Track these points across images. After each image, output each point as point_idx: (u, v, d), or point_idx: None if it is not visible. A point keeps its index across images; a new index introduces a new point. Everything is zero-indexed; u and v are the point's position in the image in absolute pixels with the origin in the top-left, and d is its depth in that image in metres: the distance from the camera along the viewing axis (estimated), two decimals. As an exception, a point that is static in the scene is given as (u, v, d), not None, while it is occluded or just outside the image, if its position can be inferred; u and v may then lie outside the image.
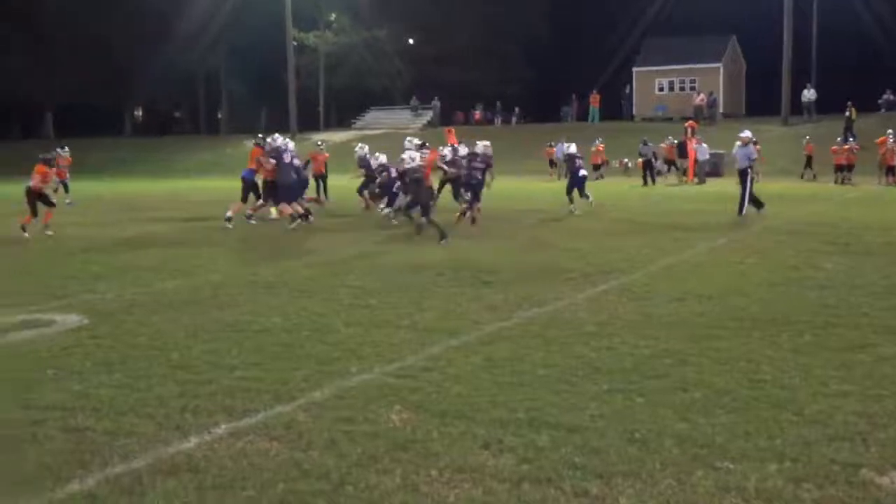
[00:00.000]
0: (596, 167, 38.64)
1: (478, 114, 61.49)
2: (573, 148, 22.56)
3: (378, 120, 63.61)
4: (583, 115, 57.29)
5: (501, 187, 32.89)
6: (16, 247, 16.01)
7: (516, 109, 62.24)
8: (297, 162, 19.13)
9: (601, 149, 39.77)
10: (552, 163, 40.13)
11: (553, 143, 40.13)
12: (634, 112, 58.37)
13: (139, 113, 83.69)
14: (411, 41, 69.02)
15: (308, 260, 13.43)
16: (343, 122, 68.93)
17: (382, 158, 21.29)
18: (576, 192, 21.18)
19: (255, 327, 8.45)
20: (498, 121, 61.24)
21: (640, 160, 35.38)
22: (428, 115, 61.78)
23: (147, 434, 5.42)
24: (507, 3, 67.90)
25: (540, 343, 7.65)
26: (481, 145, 20.83)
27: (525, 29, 68.75)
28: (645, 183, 34.20)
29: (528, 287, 10.56)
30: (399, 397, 6.07)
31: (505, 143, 49.53)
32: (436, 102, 62.25)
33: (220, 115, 76.37)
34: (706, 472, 4.72)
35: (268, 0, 57.59)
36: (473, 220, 18.42)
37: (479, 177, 19.39)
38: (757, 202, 20.02)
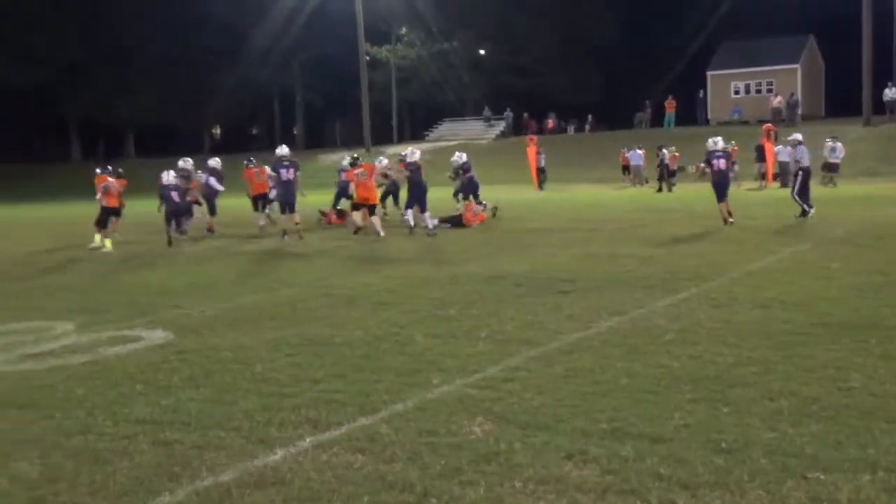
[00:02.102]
0: (671, 173, 38.28)
1: (551, 122, 61.32)
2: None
3: (451, 131, 63.87)
4: (657, 121, 56.71)
5: (576, 195, 32.79)
6: (100, 263, 16.42)
7: (589, 117, 61.89)
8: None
9: (676, 155, 39.32)
10: (626, 169, 39.80)
11: (627, 150, 39.80)
12: (710, 116, 57.56)
13: (217, 131, 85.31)
14: (482, 52, 69.12)
15: (385, 273, 13.53)
16: (416, 135, 69.39)
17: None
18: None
19: (336, 340, 8.53)
20: (571, 129, 60.98)
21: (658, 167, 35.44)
22: (500, 126, 61.81)
23: (234, 447, 5.51)
24: (579, 12, 67.56)
25: (621, 352, 7.58)
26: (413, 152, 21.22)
27: (597, 36, 68.29)
28: (660, 189, 33.93)
29: (606, 296, 10.48)
30: (481, 408, 6.07)
31: (578, 151, 49.42)
32: (508, 113, 62.26)
33: (295, 131, 77.44)
34: (797, 482, 4.62)
35: (340, 16, 58.29)
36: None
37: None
38: (803, 205, 19.70)
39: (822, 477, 4.67)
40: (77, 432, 5.92)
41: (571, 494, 4.60)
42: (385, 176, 21.53)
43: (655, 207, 24.24)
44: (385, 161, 20.98)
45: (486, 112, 63.96)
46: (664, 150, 35.45)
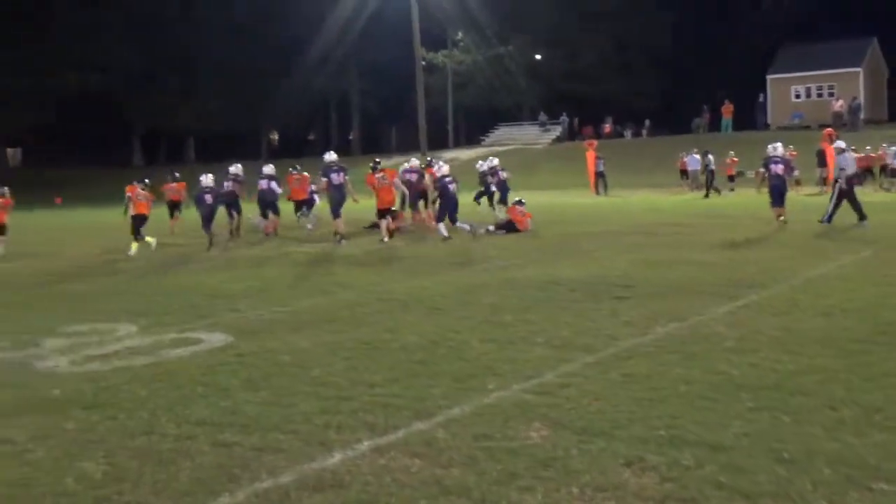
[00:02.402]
0: (730, 178, 37.89)
1: (608, 127, 61.02)
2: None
3: (507, 136, 63.85)
4: (715, 126, 56.10)
5: (634, 200, 32.56)
6: (160, 266, 16.68)
7: (646, 122, 61.44)
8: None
9: (735, 160, 38.90)
10: (684, 174, 39.42)
11: (685, 155, 39.44)
12: (769, 121, 56.77)
13: (275, 136, 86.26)
14: (538, 57, 68.99)
15: (440, 278, 13.56)
16: (472, 140, 69.48)
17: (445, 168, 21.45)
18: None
19: (392, 345, 8.57)
20: (628, 133, 60.60)
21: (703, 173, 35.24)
22: (557, 131, 61.64)
23: (292, 450, 5.56)
24: (636, 16, 67.13)
25: (679, 359, 7.51)
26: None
27: (654, 40, 67.75)
28: (706, 195, 33.64)
29: (664, 302, 10.39)
30: (537, 414, 6.06)
31: (635, 156, 49.10)
32: (564, 118, 62.06)
33: (351, 136, 77.99)
34: (861, 493, 4.54)
35: (396, 21, 58.62)
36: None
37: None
38: (833, 213, 19.25)
39: (885, 488, 4.59)
40: (140, 433, 6.03)
41: (630, 502, 4.57)
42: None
43: (713, 213, 23.96)
44: (445, 167, 21.28)
45: (542, 117, 63.84)
46: (709, 156, 35.23)
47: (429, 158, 30.24)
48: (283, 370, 7.70)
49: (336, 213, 19.97)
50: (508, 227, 20.96)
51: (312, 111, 77.91)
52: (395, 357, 8.04)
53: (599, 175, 38.87)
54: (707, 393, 6.42)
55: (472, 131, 72.61)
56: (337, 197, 20.04)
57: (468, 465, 5.17)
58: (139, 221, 20.41)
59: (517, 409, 6.19)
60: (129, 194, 21.67)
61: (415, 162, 24.36)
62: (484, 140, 64.83)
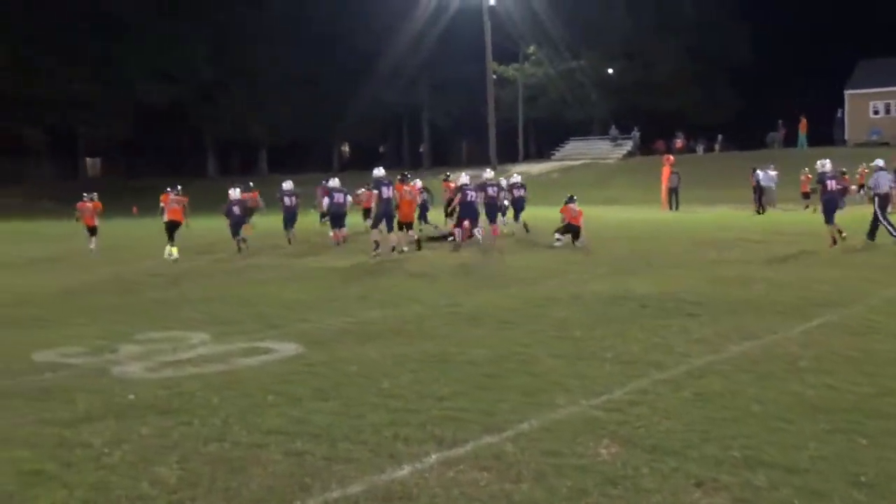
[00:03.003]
0: (805, 195, 37.14)
1: (679, 142, 60.31)
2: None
3: (578, 150, 63.53)
4: (791, 141, 55.12)
5: (705, 215, 32.10)
6: (231, 276, 16.92)
7: (719, 136, 60.63)
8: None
9: (809, 177, 38.13)
10: (754, 189, 38.72)
11: (759, 170, 38.77)
12: (847, 137, 55.60)
13: (346, 149, 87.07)
14: (610, 70, 68.59)
15: (508, 292, 13.53)
16: (542, 153, 69.30)
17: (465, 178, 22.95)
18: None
19: (459, 358, 8.58)
20: (700, 148, 59.87)
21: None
22: (628, 145, 61.18)
23: (362, 460, 5.60)
24: (711, 28, 66.36)
25: (752, 378, 7.39)
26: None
27: (728, 54, 66.88)
28: (757, 212, 33.16)
29: (737, 319, 10.24)
30: (607, 431, 6.01)
31: (709, 171, 48.40)
32: (636, 132, 61.57)
33: (422, 149, 78.36)
34: (942, 521, 4.41)
35: (468, 35, 58.83)
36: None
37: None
38: (873, 231, 19.11)
39: (969, 516, 4.45)
40: (213, 439, 6.13)
41: (701, 523, 4.51)
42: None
43: (785, 230, 23.51)
44: (466, 177, 22.82)
45: (613, 131, 63.42)
46: (758, 172, 34.75)
47: (447, 174, 31.41)
48: (352, 381, 7.76)
49: (389, 226, 20.39)
50: (567, 228, 21.19)
51: (384, 124, 78.42)
52: (463, 370, 8.05)
53: (672, 190, 38.44)
54: (782, 414, 6.31)
55: (543, 145, 72.43)
56: (387, 210, 20.40)
57: (537, 480, 5.15)
58: (172, 227, 21.99)
59: (586, 426, 6.15)
60: (162, 204, 23.53)
61: (489, 174, 24.89)
62: (554, 154, 64.59)
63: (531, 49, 67.57)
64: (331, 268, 17.87)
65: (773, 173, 37.45)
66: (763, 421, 6.15)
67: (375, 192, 20.80)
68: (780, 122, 56.98)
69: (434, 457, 5.62)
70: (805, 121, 53.76)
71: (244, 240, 22.36)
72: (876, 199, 19.44)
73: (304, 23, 67.60)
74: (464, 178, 22.77)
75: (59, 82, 62.96)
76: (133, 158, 76.40)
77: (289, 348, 9.35)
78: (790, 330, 9.54)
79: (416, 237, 21.16)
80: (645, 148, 60.73)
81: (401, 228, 20.79)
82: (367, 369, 8.18)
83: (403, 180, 21.48)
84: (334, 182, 25.36)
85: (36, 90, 62.90)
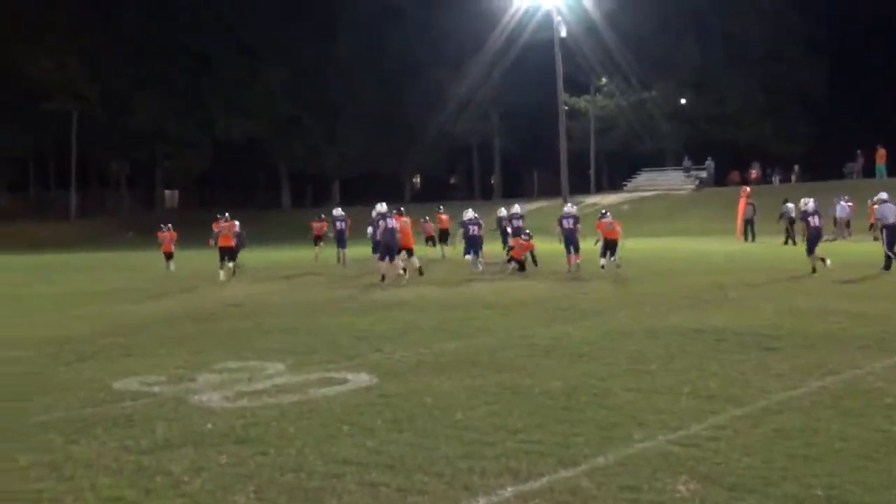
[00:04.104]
0: (871, 226, 36.28)
1: (754, 172, 59.37)
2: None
3: (650, 181, 62.99)
4: (868, 172, 53.88)
5: (781, 247, 31.55)
6: (304, 306, 17.07)
7: (796, 167, 59.59)
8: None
9: (874, 207, 37.21)
10: (834, 221, 37.99)
11: (836, 200, 38.03)
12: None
13: (417, 180, 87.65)
14: (683, 101, 67.99)
15: (582, 324, 13.44)
16: (615, 184, 68.89)
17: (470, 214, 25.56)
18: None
19: (534, 390, 8.53)
20: (776, 179, 58.88)
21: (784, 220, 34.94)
22: (701, 176, 60.48)
23: (436, 493, 5.59)
24: (785, 58, 65.41)
25: (834, 414, 7.21)
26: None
27: (805, 83, 65.78)
28: (785, 242, 33.39)
29: (816, 354, 10.01)
30: (685, 467, 5.92)
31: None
32: (709, 162, 60.86)
33: (493, 181, 78.44)
34: None
35: (538, 65, 58.96)
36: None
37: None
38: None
39: None
40: (289, 469, 6.18)
41: (784, 563, 4.40)
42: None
43: (861, 261, 22.97)
44: (470, 213, 25.43)
45: (686, 162, 62.76)
46: (788, 204, 34.84)
47: (440, 207, 34.79)
48: (426, 412, 7.77)
49: (392, 255, 21.80)
50: (606, 245, 22.58)
51: (454, 154, 78.79)
52: (537, 403, 8.00)
53: (748, 222, 37.97)
54: (866, 451, 6.14)
55: (615, 176, 71.98)
56: (390, 241, 21.67)
57: (614, 516, 5.09)
58: (224, 252, 24.32)
59: (664, 461, 6.06)
60: (216, 230, 25.61)
61: (571, 208, 25.73)
62: (626, 185, 64.16)
63: (602, 80, 67.38)
64: (402, 300, 17.93)
65: (847, 204, 36.76)
66: (846, 459, 6.00)
67: (381, 224, 22.18)
68: (858, 151, 55.79)
69: (510, 490, 5.59)
70: (883, 151, 52.51)
71: (237, 266, 25.43)
72: (884, 231, 20.69)
73: (378, 56, 68.62)
74: (469, 213, 25.33)
75: (147, 116, 65.42)
76: (209, 190, 78.16)
77: (363, 379, 9.40)
78: (873, 365, 9.29)
79: (417, 264, 23.19)
80: (719, 179, 59.97)
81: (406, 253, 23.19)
82: (442, 401, 8.18)
83: (400, 213, 24.16)
84: (337, 211, 30.04)
85: (126, 123, 65.52)
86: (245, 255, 27.60)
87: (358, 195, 67.53)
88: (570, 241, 23.34)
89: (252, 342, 12.53)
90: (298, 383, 9.28)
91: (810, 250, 20.80)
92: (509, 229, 26.35)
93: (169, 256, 28.85)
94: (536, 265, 24.18)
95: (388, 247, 21.59)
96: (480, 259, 24.44)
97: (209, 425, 7.53)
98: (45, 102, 62.33)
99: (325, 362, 10.58)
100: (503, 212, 29.54)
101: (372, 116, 69.53)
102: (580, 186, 62.81)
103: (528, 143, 72.25)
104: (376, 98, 68.85)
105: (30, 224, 62.89)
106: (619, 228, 22.74)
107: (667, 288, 18.48)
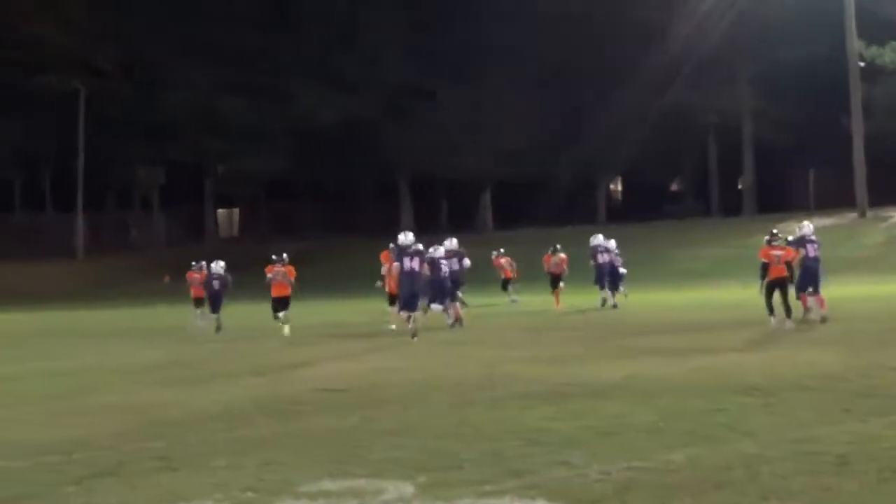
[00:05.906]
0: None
1: None
2: None
3: None
4: None
5: None
6: (450, 388, 17.06)
7: None
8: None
9: None
10: None
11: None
12: None
13: (617, 187, 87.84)
14: None
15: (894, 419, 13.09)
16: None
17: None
18: None
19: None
20: None
21: None
22: None
23: None
24: None
25: None
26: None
27: None
28: None
29: None
30: None
31: None
32: None
33: (740, 185, 77.44)
34: None
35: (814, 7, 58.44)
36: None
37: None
38: None
39: None
40: None
41: None
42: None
43: None
44: (441, 249, 28.47)
45: None
46: None
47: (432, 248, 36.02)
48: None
49: (413, 306, 24.35)
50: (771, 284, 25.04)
51: (674, 146, 78.11)
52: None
53: None
54: None
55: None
56: (412, 288, 24.08)
57: None
58: (278, 304, 27.67)
59: None
60: (269, 275, 28.60)
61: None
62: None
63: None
64: (601, 380, 17.79)
65: None
66: None
67: (396, 263, 24.10)
68: None
69: None
70: None
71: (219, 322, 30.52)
72: None
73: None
74: (448, 243, 29.86)
75: (191, 96, 67.65)
76: (285, 207, 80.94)
77: (539, 510, 9.34)
78: None
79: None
80: None
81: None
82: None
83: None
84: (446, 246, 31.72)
85: (159, 107, 67.45)
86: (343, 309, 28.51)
87: (520, 209, 67.89)
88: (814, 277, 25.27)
89: (360, 448, 12.62)
90: (436, 517, 9.30)
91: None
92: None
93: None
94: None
95: (411, 295, 23.87)
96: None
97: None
98: (38, 76, 62.95)
99: (476, 482, 10.54)
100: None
101: (542, 86, 69.73)
102: (889, 191, 61.05)
103: (798, 126, 70.93)
104: (548, 55, 68.94)
105: (16, 264, 64.12)
106: (786, 262, 25.03)
107: None
